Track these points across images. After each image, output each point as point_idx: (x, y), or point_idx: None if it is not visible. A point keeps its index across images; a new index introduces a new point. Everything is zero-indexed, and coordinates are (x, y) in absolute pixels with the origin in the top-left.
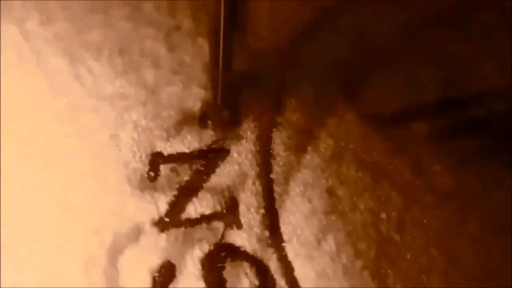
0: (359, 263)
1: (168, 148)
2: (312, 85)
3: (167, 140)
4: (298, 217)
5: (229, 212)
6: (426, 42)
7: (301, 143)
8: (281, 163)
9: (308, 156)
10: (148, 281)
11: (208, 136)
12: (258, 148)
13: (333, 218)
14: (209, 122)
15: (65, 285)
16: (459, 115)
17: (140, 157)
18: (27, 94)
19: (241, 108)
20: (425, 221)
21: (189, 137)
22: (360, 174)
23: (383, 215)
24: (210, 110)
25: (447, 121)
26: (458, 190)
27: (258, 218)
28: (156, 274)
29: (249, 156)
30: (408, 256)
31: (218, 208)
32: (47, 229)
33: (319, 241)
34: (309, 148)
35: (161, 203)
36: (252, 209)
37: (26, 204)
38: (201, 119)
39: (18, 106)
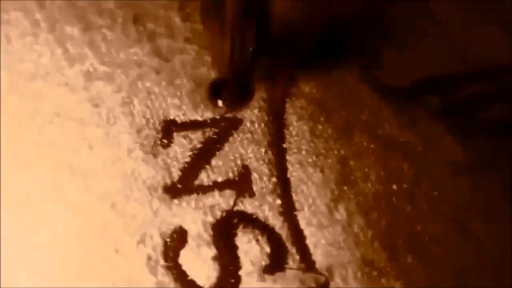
0: (370, 233)
1: (181, 116)
2: (325, 57)
3: (180, 108)
4: (310, 186)
5: (242, 180)
6: (440, 17)
7: (313, 114)
8: (293, 133)
9: (320, 127)
10: (160, 246)
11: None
12: (271, 117)
13: (345, 188)
14: (219, 101)
15: (76, 245)
16: (471, 91)
17: (153, 124)
18: (39, 61)
19: (252, 86)
20: (436, 193)
21: (202, 105)
22: (372, 145)
23: (395, 187)
24: (219, 87)
25: (459, 96)
26: (469, 163)
27: (270, 186)
28: (168, 239)
29: (262, 125)
30: (419, 228)
31: (231, 175)
32: (59, 194)
33: (330, 211)
34: (322, 119)
35: (174, 169)
36: (265, 178)
37: (37, 169)
38: (211, 95)
39: (31, 72)
